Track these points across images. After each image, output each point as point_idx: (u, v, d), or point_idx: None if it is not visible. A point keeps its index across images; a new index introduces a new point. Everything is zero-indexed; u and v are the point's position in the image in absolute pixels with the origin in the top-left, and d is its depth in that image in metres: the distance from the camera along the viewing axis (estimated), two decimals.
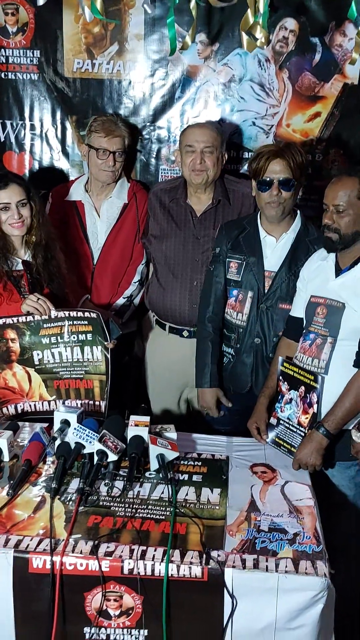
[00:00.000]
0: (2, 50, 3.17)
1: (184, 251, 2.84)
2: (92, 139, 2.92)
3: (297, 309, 2.42)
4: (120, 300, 3.04)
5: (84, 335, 2.40)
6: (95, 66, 3.15)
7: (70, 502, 1.90)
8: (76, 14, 3.07)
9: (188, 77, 3.12)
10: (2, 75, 3.21)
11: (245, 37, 1.91)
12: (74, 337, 2.40)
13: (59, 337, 2.40)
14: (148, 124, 3.22)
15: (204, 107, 3.15)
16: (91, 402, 2.43)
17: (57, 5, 3.03)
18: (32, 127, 3.29)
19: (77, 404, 2.40)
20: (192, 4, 2.54)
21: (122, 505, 1.89)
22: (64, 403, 2.40)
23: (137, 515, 1.85)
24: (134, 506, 1.89)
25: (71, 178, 3.26)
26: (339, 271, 2.27)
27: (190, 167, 2.74)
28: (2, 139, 3.31)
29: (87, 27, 3.08)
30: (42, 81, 3.21)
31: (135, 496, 1.94)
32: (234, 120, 3.14)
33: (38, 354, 2.41)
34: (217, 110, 3.14)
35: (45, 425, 2.25)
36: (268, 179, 2.41)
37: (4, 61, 3.18)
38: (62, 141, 3.30)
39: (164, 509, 1.89)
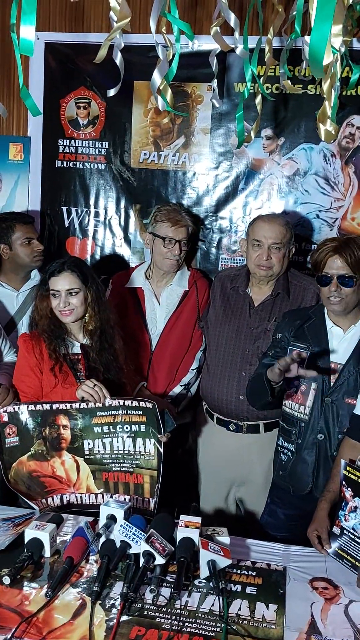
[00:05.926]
0: (73, 141, 3.30)
1: (236, 340, 2.76)
2: (157, 228, 2.93)
3: None
4: (177, 388, 2.97)
5: (137, 426, 2.30)
6: (161, 158, 3.23)
7: (113, 609, 1.75)
8: (145, 108, 3.18)
9: (252, 169, 3.15)
10: (71, 164, 3.33)
11: (322, 127, 1.91)
12: (127, 428, 2.30)
13: (111, 427, 2.31)
14: (210, 214, 3.24)
15: (267, 198, 3.16)
16: (140, 498, 2.30)
17: (128, 99, 3.15)
18: (97, 214, 3.37)
19: (125, 499, 2.26)
20: (258, 99, 2.58)
21: (169, 616, 1.72)
22: (111, 497, 2.28)
23: (184, 629, 1.68)
24: (181, 618, 1.72)
25: (132, 265, 3.29)
26: None
27: (255, 262, 2.70)
28: (67, 225, 3.40)
29: (156, 120, 3.18)
30: (108, 171, 3.30)
31: (182, 607, 1.77)
32: (298, 212, 3.13)
33: (89, 443, 2.32)
34: (281, 203, 3.14)
35: (90, 519, 2.13)
36: (327, 275, 2.34)
37: (74, 151, 3.31)
38: (125, 229, 3.35)
39: (214, 624, 1.71)
